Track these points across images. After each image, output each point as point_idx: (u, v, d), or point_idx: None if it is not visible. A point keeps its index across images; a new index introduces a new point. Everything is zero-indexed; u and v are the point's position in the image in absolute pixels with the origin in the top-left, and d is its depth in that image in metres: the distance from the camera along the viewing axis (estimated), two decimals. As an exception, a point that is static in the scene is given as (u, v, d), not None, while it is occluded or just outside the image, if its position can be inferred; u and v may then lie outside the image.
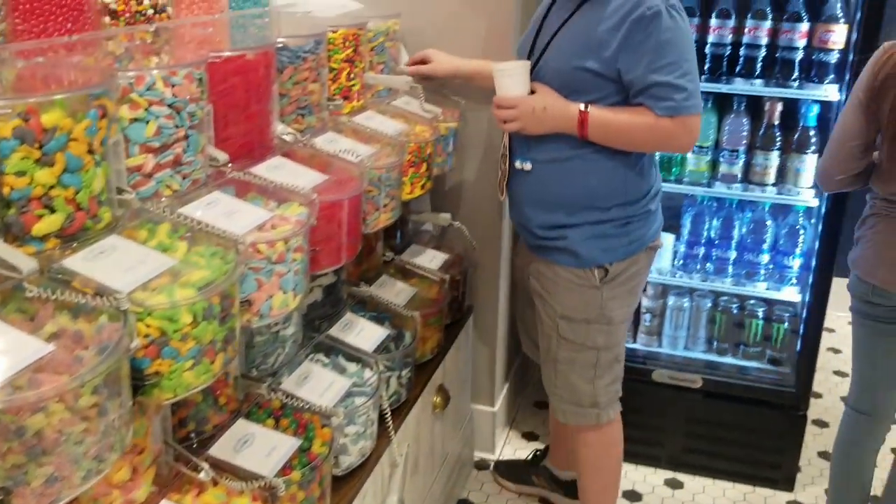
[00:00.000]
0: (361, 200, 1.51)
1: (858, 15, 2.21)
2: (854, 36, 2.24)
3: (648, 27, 1.66)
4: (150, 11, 1.50)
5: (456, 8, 2.22)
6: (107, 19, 1.44)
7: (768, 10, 2.37)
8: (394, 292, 2.04)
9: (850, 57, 2.26)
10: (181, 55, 1.35)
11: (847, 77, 2.27)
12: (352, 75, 1.83)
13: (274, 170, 1.39)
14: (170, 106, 1.14)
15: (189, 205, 1.18)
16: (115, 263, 0.97)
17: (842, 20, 2.29)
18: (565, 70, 1.78)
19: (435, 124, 2.00)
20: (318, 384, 1.58)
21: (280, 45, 1.51)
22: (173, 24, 1.57)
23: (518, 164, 1.89)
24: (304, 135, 1.56)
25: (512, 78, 1.81)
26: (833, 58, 2.33)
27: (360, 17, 1.96)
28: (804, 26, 2.34)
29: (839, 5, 2.30)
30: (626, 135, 1.78)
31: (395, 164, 1.69)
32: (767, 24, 2.37)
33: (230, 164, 1.31)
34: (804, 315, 2.55)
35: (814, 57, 2.36)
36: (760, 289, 2.59)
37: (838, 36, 2.30)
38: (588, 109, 1.75)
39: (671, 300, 2.67)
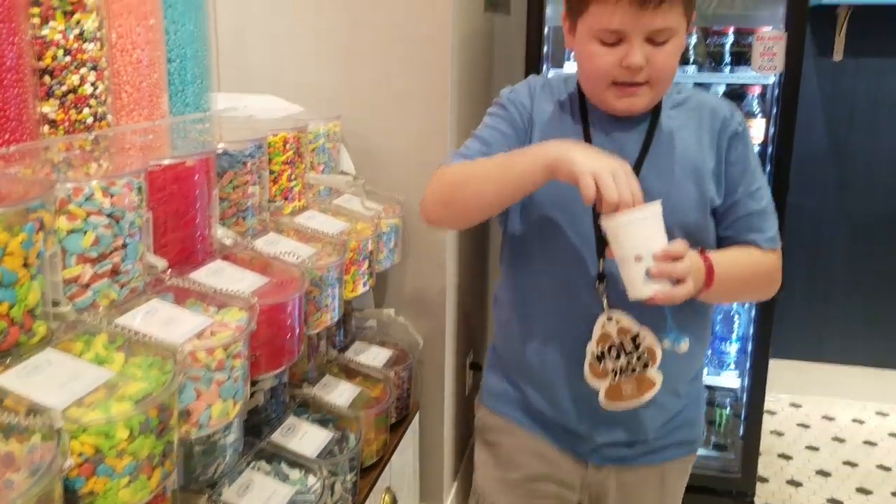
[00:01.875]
0: (303, 302, 1.51)
1: (775, 110, 2.35)
2: (772, 130, 2.37)
3: (739, 145, 1.40)
4: (90, 119, 1.50)
5: (394, 110, 2.29)
6: (46, 128, 1.44)
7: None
8: (337, 392, 2.01)
9: (770, 150, 2.38)
10: (121, 162, 1.35)
11: (769, 168, 2.38)
12: (293, 176, 1.85)
13: (213, 274, 1.39)
14: (108, 216, 1.14)
15: (127, 314, 1.16)
16: (50, 379, 0.95)
17: (759, 115, 2.43)
18: (694, 212, 1.38)
19: (376, 221, 2.02)
20: (261, 493, 1.54)
21: (220, 151, 1.53)
22: (113, 131, 1.58)
23: (667, 345, 1.34)
24: (245, 237, 1.57)
25: (660, 222, 1.22)
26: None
27: (300, 119, 1.99)
28: (726, 122, 2.46)
29: (756, 102, 2.44)
30: (743, 282, 1.42)
31: (336, 263, 1.70)
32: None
33: (169, 271, 1.30)
34: (745, 399, 2.59)
35: (737, 151, 2.48)
36: (701, 375, 2.63)
37: (757, 130, 2.43)
38: (708, 254, 1.32)
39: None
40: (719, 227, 1.42)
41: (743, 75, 2.40)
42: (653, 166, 1.38)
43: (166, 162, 1.33)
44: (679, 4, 1.27)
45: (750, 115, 2.43)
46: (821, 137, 3.60)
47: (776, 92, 2.36)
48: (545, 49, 2.54)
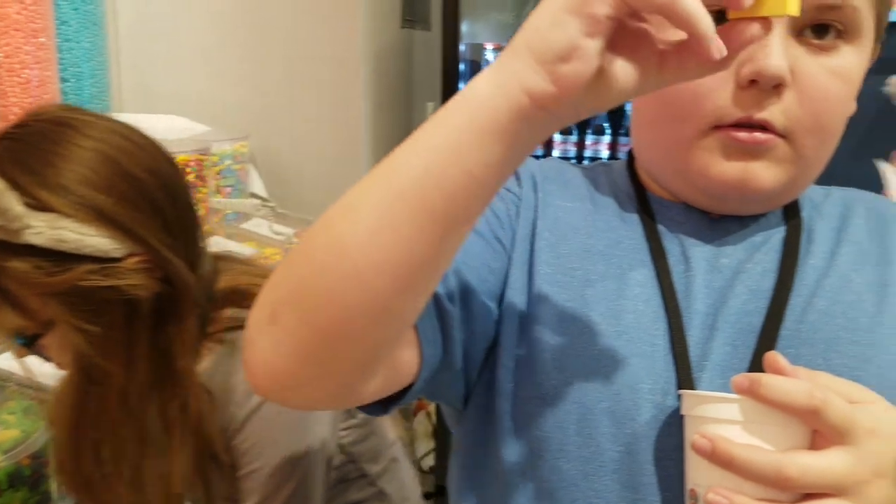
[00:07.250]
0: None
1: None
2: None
3: None
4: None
5: (305, 130, 2.24)
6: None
7: (606, 125, 2.52)
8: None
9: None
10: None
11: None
12: (195, 201, 1.78)
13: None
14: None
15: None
16: None
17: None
18: None
19: (286, 246, 1.97)
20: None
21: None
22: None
23: None
24: (142, 267, 1.49)
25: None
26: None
27: (203, 140, 1.93)
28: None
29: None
30: None
31: (241, 291, 1.64)
32: (606, 138, 2.52)
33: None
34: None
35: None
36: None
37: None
38: None
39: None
40: None
41: None
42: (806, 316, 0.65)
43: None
44: None
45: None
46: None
47: None
48: (461, 67, 2.51)
